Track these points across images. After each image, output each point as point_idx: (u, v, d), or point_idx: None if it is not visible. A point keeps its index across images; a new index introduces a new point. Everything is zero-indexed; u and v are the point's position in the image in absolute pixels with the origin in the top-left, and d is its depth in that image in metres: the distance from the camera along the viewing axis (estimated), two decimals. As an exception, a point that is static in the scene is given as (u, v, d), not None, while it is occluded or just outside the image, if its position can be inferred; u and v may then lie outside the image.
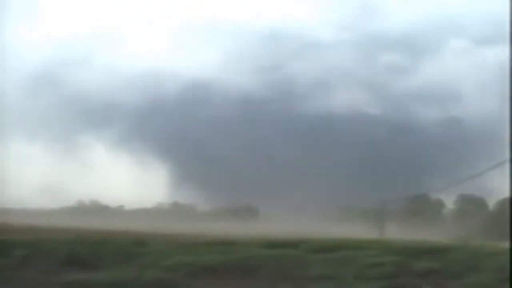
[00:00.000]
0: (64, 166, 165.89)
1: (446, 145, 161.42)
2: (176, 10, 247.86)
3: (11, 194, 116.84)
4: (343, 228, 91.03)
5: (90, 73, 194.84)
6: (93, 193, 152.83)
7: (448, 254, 27.93)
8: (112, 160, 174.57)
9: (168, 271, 23.37)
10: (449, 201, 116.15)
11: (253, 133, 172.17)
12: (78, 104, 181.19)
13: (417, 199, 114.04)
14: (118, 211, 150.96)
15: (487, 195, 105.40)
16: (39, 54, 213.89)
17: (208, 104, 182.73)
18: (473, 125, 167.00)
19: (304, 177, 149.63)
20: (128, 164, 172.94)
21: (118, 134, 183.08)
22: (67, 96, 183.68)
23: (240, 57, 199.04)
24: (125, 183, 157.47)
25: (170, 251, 27.57)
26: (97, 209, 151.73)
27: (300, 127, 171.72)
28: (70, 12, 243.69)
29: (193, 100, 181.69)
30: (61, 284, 21.41)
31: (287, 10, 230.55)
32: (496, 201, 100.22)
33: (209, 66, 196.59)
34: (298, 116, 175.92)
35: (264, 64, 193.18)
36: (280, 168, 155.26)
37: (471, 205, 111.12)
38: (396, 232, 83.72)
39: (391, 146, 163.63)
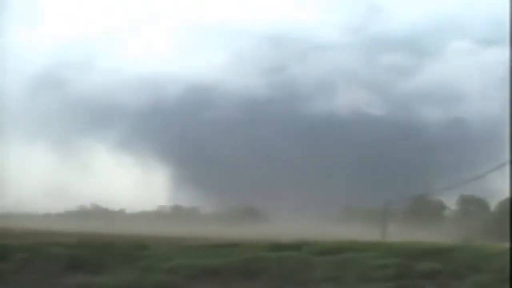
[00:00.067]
0: (65, 169, 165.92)
1: (448, 146, 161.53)
2: (178, 12, 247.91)
3: (12, 198, 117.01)
4: (346, 229, 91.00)
5: (92, 75, 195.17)
6: (95, 197, 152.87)
7: (450, 254, 27.87)
8: (114, 162, 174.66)
9: (170, 274, 23.32)
10: (451, 202, 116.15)
11: (256, 134, 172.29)
12: (79, 106, 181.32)
13: (419, 199, 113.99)
14: (120, 215, 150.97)
15: (489, 196, 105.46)
16: (41, 56, 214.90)
17: (211, 106, 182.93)
18: (475, 125, 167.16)
19: (307, 178, 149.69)
20: (129, 166, 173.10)
21: (120, 136, 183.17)
22: (68, 98, 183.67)
23: (243, 59, 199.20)
24: (126, 186, 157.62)
25: (172, 254, 27.52)
26: (99, 212, 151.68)
27: (303, 128, 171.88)
28: (71, 14, 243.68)
29: (195, 102, 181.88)
30: (63, 288, 21.40)
31: (290, 11, 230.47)
32: (497, 202, 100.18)
33: (212, 68, 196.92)
34: (301, 117, 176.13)
35: (267, 65, 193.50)
36: (282, 169, 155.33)
37: (473, 206, 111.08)
38: (398, 232, 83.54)
39: (393, 147, 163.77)
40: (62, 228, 61.63)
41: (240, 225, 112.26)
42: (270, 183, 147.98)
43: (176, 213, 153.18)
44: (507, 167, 64.32)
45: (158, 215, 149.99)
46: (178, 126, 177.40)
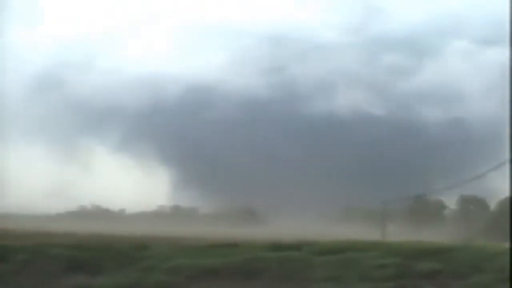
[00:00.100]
0: (65, 170, 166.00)
1: (448, 145, 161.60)
2: (178, 12, 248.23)
3: (12, 198, 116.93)
4: (346, 229, 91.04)
5: (92, 75, 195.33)
6: (95, 197, 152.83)
7: (450, 254, 27.91)
8: (114, 163, 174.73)
9: (170, 274, 23.33)
10: (451, 202, 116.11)
11: (256, 134, 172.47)
12: (79, 106, 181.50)
13: (419, 199, 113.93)
14: (120, 215, 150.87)
15: (489, 196, 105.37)
16: (41, 56, 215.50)
17: (211, 106, 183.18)
18: (475, 125, 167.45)
19: (307, 178, 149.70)
20: (129, 167, 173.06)
21: (120, 137, 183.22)
22: (68, 98, 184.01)
23: (243, 59, 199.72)
24: (126, 186, 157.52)
25: (172, 254, 27.53)
26: (99, 213, 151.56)
27: (303, 128, 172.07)
28: (71, 14, 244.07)
29: (195, 102, 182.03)
30: (63, 289, 21.41)
31: (290, 11, 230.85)
32: (497, 201, 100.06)
33: (212, 68, 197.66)
34: (301, 117, 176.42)
35: (267, 65, 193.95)
36: (282, 169, 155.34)
37: (473, 205, 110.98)
38: (398, 232, 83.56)
39: (393, 147, 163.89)
40: (62, 229, 61.60)
41: (240, 225, 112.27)
42: (269, 183, 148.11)
43: (176, 213, 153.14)
44: (507, 167, 64.28)
45: (158, 215, 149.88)
46: (178, 126, 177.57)
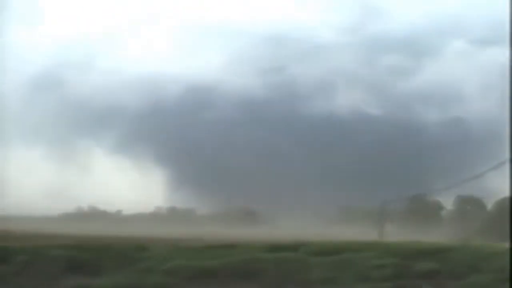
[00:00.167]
0: (63, 171, 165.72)
1: (447, 145, 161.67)
2: (178, 12, 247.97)
3: (11, 200, 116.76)
4: (344, 229, 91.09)
5: (92, 75, 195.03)
6: (92, 198, 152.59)
7: (448, 254, 27.97)
8: (111, 164, 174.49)
9: (168, 275, 23.39)
10: (449, 202, 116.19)
11: (256, 134, 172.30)
12: (79, 106, 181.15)
13: (417, 199, 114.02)
14: (117, 216, 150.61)
15: (487, 196, 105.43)
16: (41, 56, 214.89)
17: (210, 106, 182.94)
18: (474, 125, 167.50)
19: (305, 178, 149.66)
20: (127, 168, 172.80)
21: (118, 138, 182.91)
22: (68, 98, 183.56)
23: (242, 59, 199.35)
24: (124, 187, 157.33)
25: (170, 255, 27.58)
26: (96, 214, 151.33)
27: (303, 128, 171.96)
28: (71, 14, 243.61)
29: (194, 103, 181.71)
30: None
31: (290, 11, 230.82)
32: (495, 201, 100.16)
33: (211, 68, 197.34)
34: (301, 117, 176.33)
35: (267, 65, 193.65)
36: (281, 169, 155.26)
37: (471, 205, 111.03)
38: (396, 232, 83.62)
39: (393, 147, 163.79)
40: (61, 230, 61.55)
41: (238, 226, 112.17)
42: (268, 184, 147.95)
43: (173, 214, 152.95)
44: (507, 167, 64.30)
45: (155, 216, 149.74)
46: (177, 126, 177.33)
